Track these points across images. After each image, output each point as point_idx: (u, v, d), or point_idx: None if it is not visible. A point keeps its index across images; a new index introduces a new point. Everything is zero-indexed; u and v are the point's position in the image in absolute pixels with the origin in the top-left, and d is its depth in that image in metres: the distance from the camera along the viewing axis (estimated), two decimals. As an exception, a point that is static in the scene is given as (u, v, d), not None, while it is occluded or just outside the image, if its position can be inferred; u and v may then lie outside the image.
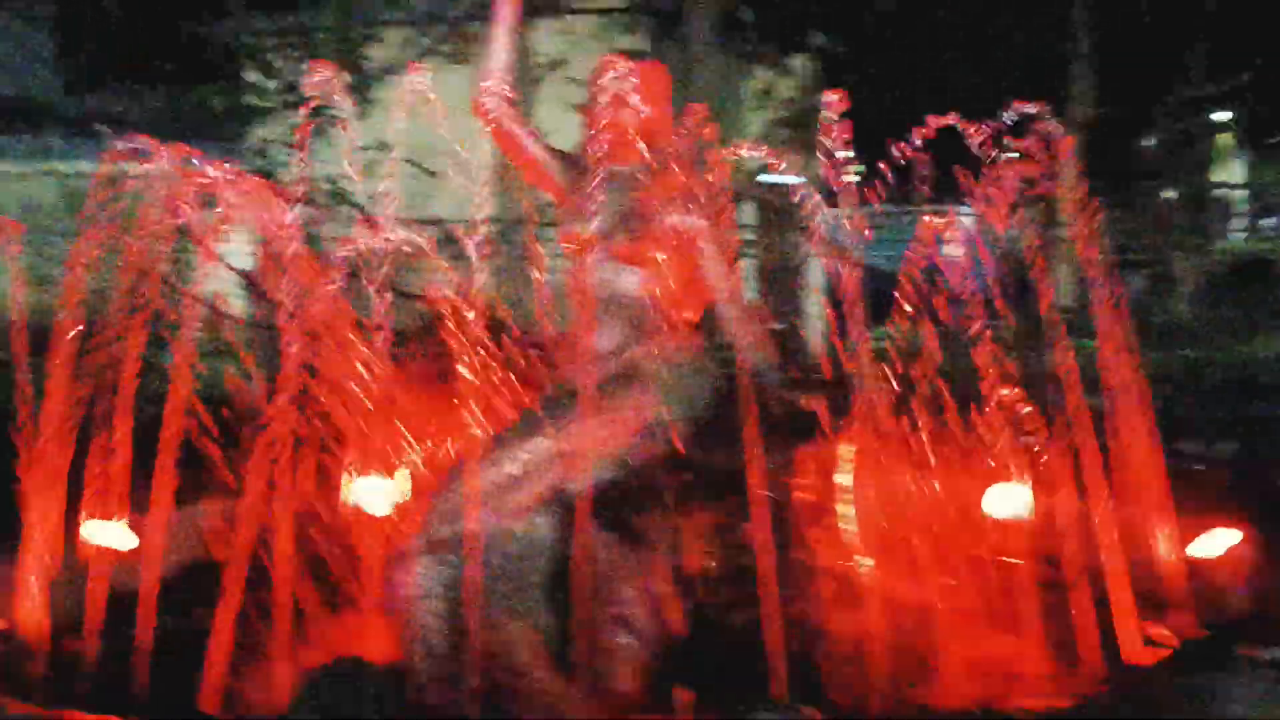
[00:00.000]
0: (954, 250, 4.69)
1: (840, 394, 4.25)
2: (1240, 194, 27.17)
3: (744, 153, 4.71)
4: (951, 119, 4.21)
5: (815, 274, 11.92)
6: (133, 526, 4.51)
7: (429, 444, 4.90)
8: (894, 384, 4.59)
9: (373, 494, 5.02)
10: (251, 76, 9.62)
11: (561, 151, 4.65)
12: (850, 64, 12.76)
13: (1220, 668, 2.89)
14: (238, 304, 9.50)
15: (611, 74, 4.34)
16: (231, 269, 9.25)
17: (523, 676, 3.85)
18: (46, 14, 23.23)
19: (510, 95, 4.56)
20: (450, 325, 4.38)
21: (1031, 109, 4.42)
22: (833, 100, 4.36)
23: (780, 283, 10.64)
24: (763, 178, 11.45)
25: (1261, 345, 12.61)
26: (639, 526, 4.13)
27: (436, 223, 8.00)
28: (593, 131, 4.38)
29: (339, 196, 8.46)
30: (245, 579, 3.85)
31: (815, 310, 10.78)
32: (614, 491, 4.16)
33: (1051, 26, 14.90)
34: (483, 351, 4.68)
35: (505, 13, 4.57)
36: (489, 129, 4.55)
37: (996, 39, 14.47)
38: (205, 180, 4.51)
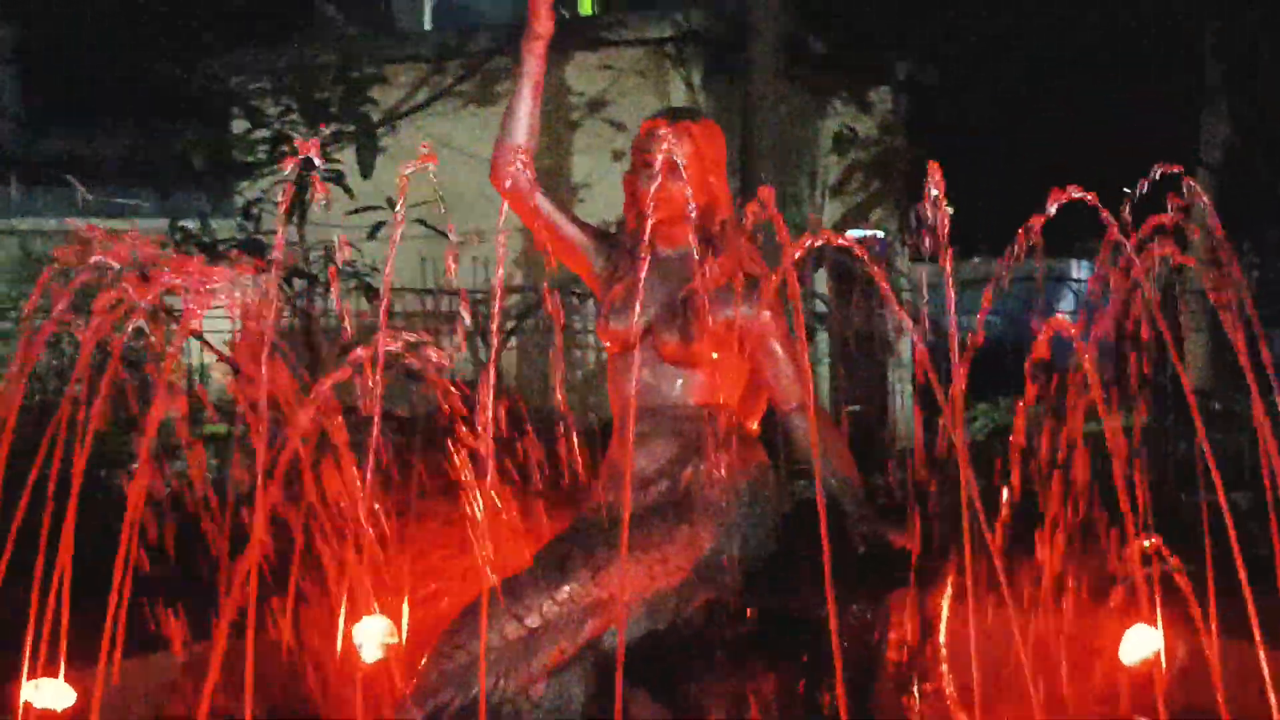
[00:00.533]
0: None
1: (942, 521, 4.07)
2: None
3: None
4: (1080, 192, 4.02)
5: (905, 347, 11.81)
6: (74, 681, 4.38)
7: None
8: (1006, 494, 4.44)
9: (367, 636, 4.90)
10: (238, 126, 9.59)
11: (595, 228, 4.54)
12: (945, 97, 12.69)
13: None
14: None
15: (659, 136, 4.24)
16: (211, 349, 9.21)
17: None
18: (5, 42, 23.56)
19: (530, 160, 4.44)
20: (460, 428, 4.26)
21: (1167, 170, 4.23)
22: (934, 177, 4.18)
23: (863, 359, 10.53)
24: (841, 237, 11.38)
25: None
26: (689, 691, 3.95)
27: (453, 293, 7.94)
28: (636, 206, 4.27)
29: (335, 265, 8.38)
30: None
31: (905, 391, 10.67)
32: (659, 648, 4.04)
33: (1178, 54, 14.82)
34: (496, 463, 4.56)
35: (531, 63, 4.43)
36: (507, 201, 4.41)
37: (1115, 68, 14.37)
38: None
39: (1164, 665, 4.69)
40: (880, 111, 12.88)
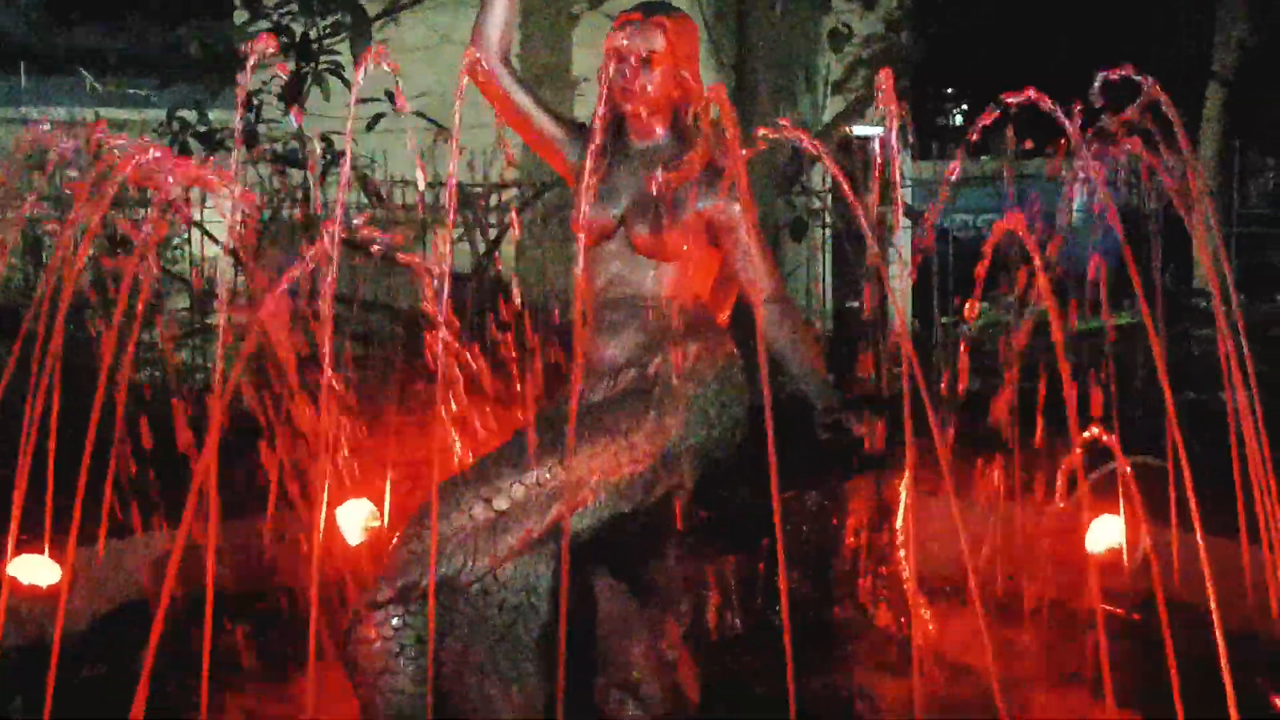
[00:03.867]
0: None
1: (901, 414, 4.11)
2: None
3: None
4: (1035, 95, 4.03)
5: (903, 244, 11.80)
6: (58, 558, 4.46)
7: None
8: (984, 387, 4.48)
9: (349, 519, 4.98)
10: (239, 18, 9.57)
11: (571, 121, 4.57)
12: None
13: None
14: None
15: (630, 31, 4.25)
16: (213, 239, 9.26)
17: (507, 755, 3.78)
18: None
19: (508, 54, 4.46)
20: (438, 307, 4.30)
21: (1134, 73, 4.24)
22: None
23: (858, 257, 10.52)
24: (844, 130, 11.35)
25: None
26: (651, 575, 4.03)
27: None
28: (606, 99, 4.29)
29: (334, 156, 8.40)
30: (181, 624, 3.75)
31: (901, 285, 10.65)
32: (623, 532, 4.10)
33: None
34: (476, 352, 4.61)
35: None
36: (481, 91, 4.43)
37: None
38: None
39: (1126, 555, 4.77)
40: (885, 6, 12.79)
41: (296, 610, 3.95)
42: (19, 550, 4.39)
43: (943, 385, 4.17)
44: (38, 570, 4.50)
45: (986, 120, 4.19)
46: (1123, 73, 4.24)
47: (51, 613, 4.31)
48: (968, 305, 4.27)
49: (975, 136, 4.50)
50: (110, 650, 4.25)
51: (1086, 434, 4.10)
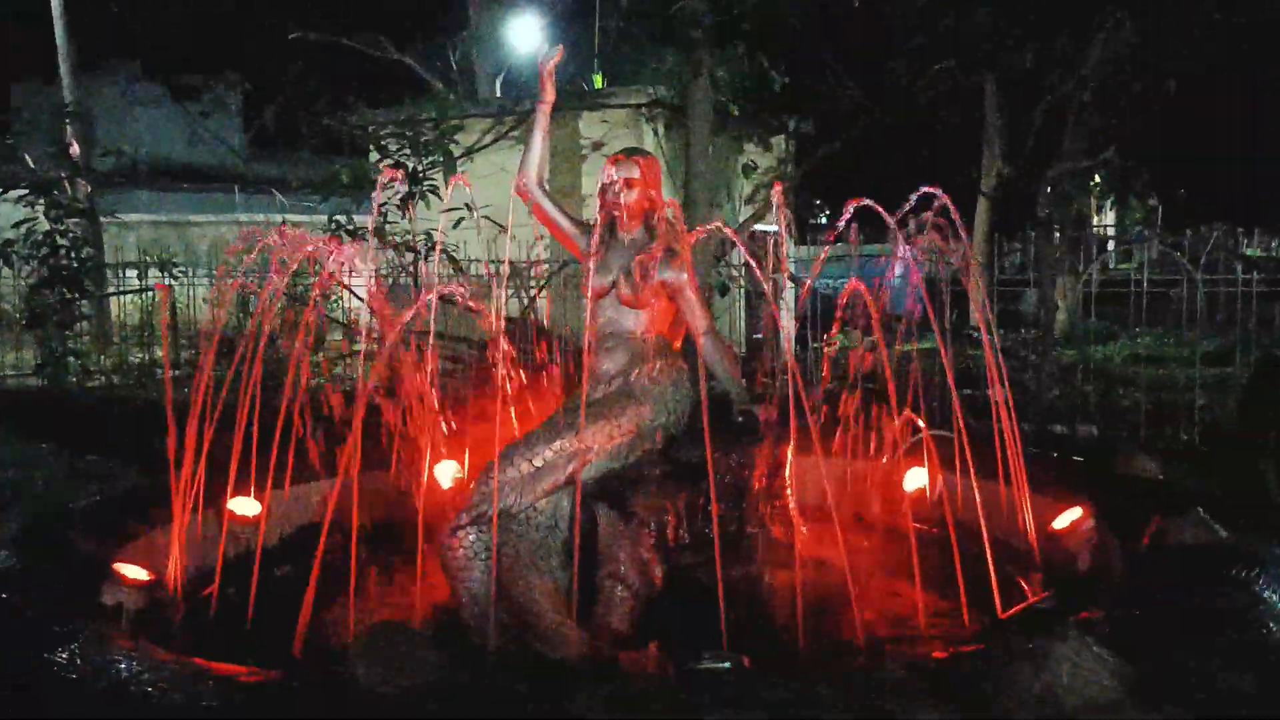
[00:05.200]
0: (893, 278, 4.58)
1: (788, 403, 4.11)
2: (1111, 231, 27.01)
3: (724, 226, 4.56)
4: (870, 203, 4.04)
5: (789, 298, 11.81)
6: (259, 498, 4.44)
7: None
8: (839, 388, 4.48)
9: (443, 473, 4.95)
10: (373, 157, 9.57)
11: (581, 221, 4.54)
12: (816, 142, 12.63)
13: (1051, 632, 2.74)
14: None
15: (618, 165, 4.27)
16: (357, 296, 9.24)
17: (542, 618, 3.75)
18: (235, 103, 23.41)
19: (540, 180, 4.46)
20: (503, 342, 4.30)
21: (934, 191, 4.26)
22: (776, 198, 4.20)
23: (761, 306, 10.54)
24: (752, 227, 11.34)
25: (1118, 349, 12.36)
26: (633, 506, 4.00)
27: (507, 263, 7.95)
28: (605, 208, 4.30)
29: (432, 244, 8.39)
30: (343, 541, 3.74)
31: (789, 326, 10.65)
32: (614, 479, 4.08)
33: (970, 115, 14.75)
34: (523, 368, 4.61)
35: (540, 118, 4.47)
36: (527, 205, 4.43)
37: (929, 124, 14.32)
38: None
39: (928, 492, 4.77)
40: (776, 151, 12.82)
41: (410, 531, 3.93)
42: (235, 493, 4.39)
43: (816, 386, 4.20)
44: (246, 506, 4.48)
45: (840, 221, 4.23)
46: (926, 190, 4.25)
47: (255, 534, 4.34)
48: (828, 336, 4.28)
49: (834, 233, 4.54)
50: (294, 558, 4.22)
51: (903, 416, 4.13)
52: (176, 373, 11.10)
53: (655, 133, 11.58)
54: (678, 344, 4.46)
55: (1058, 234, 14.87)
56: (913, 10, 10.94)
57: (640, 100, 11.39)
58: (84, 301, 11.51)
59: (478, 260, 9.64)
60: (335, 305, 10.98)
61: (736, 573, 3.89)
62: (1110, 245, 20.88)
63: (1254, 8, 11.48)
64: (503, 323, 4.37)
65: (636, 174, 4.25)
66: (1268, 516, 4.58)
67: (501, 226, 4.80)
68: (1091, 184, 16.53)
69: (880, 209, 4.00)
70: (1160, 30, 11.32)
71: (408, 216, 8.51)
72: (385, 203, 8.57)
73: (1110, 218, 29.35)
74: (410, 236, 8.45)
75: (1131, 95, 12.24)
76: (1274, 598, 3.20)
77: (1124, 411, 8.73)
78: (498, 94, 15.01)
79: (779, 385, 4.38)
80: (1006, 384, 4.42)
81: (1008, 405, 4.35)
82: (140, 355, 12.42)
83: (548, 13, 16.28)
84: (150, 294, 12.67)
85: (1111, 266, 20.61)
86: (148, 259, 12.90)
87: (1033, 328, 10.94)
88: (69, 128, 11.68)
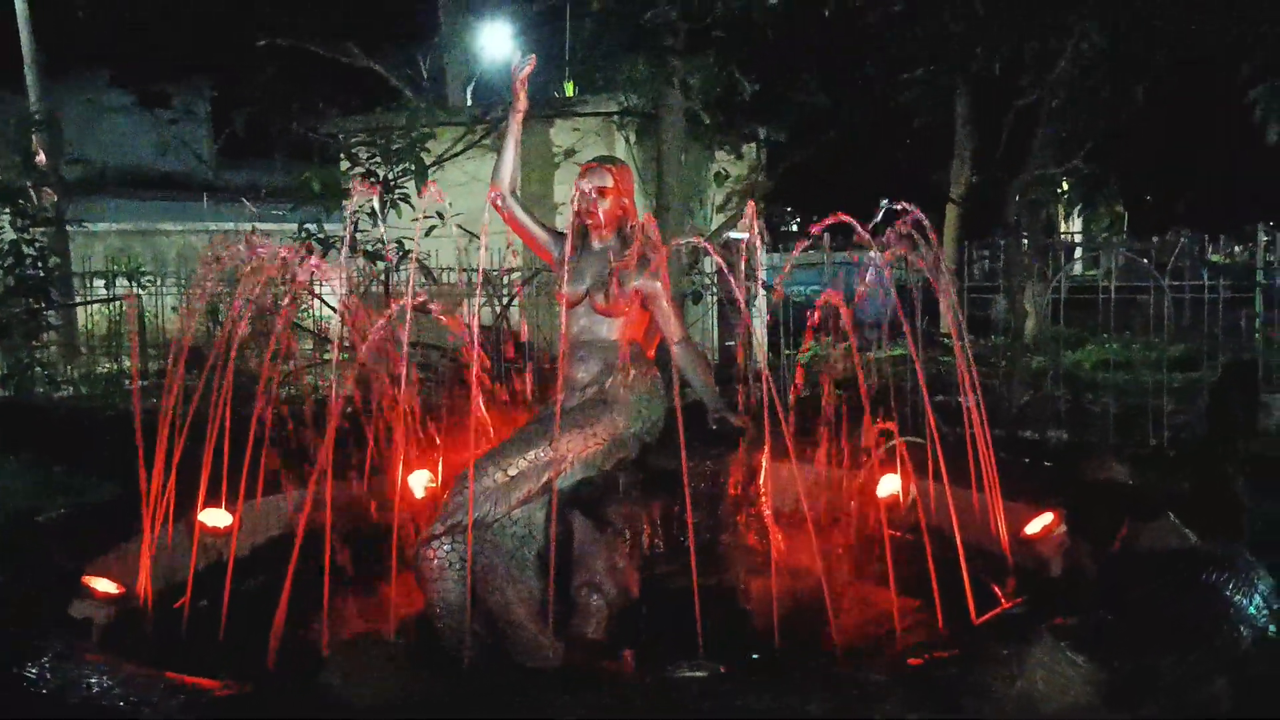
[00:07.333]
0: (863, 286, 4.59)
1: (762, 412, 4.12)
2: (1079, 239, 27.25)
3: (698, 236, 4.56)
4: (843, 217, 4.05)
5: (761, 305, 11.83)
6: (230, 509, 4.39)
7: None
8: (812, 395, 4.49)
9: (416, 482, 4.92)
10: (344, 165, 9.53)
11: (555, 230, 4.54)
12: (787, 150, 12.66)
13: (1025, 638, 2.76)
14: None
15: (590, 173, 4.27)
16: (327, 305, 9.18)
17: (518, 628, 3.74)
18: (203, 110, 23.28)
19: (513, 188, 4.45)
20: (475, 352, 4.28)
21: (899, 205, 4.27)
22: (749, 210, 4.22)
23: (733, 313, 10.54)
24: (724, 235, 11.35)
25: (1087, 355, 12.46)
26: (608, 514, 4.00)
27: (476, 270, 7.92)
28: (578, 217, 4.30)
29: (404, 253, 8.36)
30: (316, 552, 3.71)
31: (761, 332, 10.67)
32: (589, 487, 4.06)
33: (940, 123, 14.85)
34: (498, 377, 4.58)
35: (513, 127, 4.47)
36: (499, 214, 4.42)
37: (901, 131, 14.39)
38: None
39: (902, 499, 4.79)
40: (748, 159, 12.83)
41: (383, 541, 3.91)
42: (205, 505, 4.35)
43: (789, 394, 4.21)
44: (217, 517, 4.43)
45: (812, 229, 4.24)
46: (895, 205, 4.27)
47: (226, 545, 4.30)
48: (803, 345, 4.29)
49: (806, 240, 4.55)
50: (265, 568, 4.19)
51: (877, 423, 4.14)
52: (145, 383, 10.99)
53: (627, 140, 11.57)
54: (651, 352, 4.47)
55: (1026, 241, 15.00)
56: (884, 17, 11.00)
57: (612, 108, 11.37)
58: (51, 311, 11.40)
59: (450, 269, 9.62)
60: (305, 314, 10.90)
61: (712, 580, 3.89)
62: (1077, 252, 21.04)
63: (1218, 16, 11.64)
64: (475, 331, 4.35)
65: (609, 182, 4.26)
66: (1237, 520, 4.63)
67: (474, 235, 4.78)
68: (1060, 191, 16.66)
69: (853, 220, 4.01)
70: (1127, 38, 11.45)
71: (379, 225, 8.45)
72: (356, 211, 8.51)
73: (1078, 225, 29.64)
74: (381, 245, 8.39)
75: (1099, 102, 12.34)
76: (1244, 601, 3.24)
77: (1094, 417, 8.80)
78: (468, 101, 14.96)
79: (752, 393, 4.40)
80: (978, 390, 4.45)
81: (979, 411, 4.37)
82: (108, 366, 12.30)
83: (518, 20, 16.26)
84: (118, 304, 12.55)
85: (1080, 273, 20.87)
86: (115, 268, 12.78)
87: (1003, 334, 11.00)
88: (35, 136, 11.57)
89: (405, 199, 8.60)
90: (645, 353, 4.39)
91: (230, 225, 14.40)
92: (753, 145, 12.85)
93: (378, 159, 8.77)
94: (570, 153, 11.63)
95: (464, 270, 9.41)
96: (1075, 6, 10.43)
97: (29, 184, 10.17)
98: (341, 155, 9.87)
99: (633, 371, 4.24)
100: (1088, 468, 5.30)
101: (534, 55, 4.47)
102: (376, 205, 8.08)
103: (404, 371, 3.94)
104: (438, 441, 4.86)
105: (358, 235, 8.57)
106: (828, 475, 4.71)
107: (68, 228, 13.26)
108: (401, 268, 8.67)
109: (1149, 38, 11.07)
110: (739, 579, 4.05)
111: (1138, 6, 10.62)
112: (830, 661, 3.51)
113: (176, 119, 21.09)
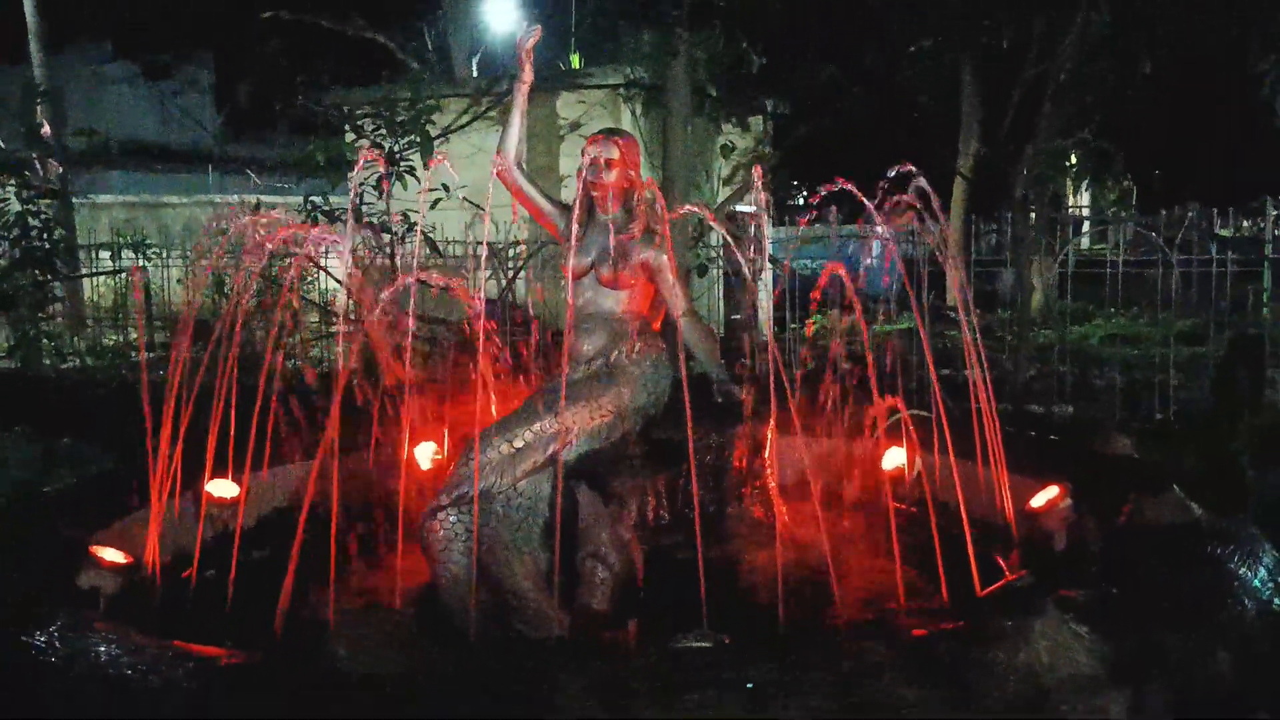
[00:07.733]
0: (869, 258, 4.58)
1: (768, 385, 4.10)
2: (1086, 213, 27.16)
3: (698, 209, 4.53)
4: (847, 184, 4.03)
5: (768, 279, 11.81)
6: (237, 480, 4.40)
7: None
8: (820, 368, 4.47)
9: (422, 454, 4.93)
10: (349, 137, 9.48)
11: (560, 202, 4.52)
12: (793, 124, 12.62)
13: (1029, 611, 2.76)
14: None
15: (597, 145, 4.25)
16: (333, 278, 9.16)
17: (523, 600, 3.75)
18: (207, 82, 23.18)
19: (519, 160, 4.43)
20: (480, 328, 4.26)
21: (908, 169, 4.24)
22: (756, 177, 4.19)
23: (740, 287, 10.53)
24: (730, 208, 11.33)
25: (1094, 329, 12.43)
26: (613, 486, 3.99)
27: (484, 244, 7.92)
28: (584, 189, 4.28)
29: (410, 226, 8.33)
30: (323, 523, 3.71)
31: (767, 305, 10.67)
32: (594, 460, 4.06)
33: (947, 97, 14.78)
34: (504, 350, 4.57)
35: (519, 99, 4.44)
36: (505, 185, 4.40)
37: (907, 105, 14.30)
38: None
39: (907, 472, 4.79)
40: (755, 131, 12.79)
41: (389, 513, 3.91)
42: (213, 475, 4.36)
43: (796, 368, 4.20)
44: (224, 488, 4.44)
45: (817, 200, 4.22)
46: (904, 169, 4.25)
47: (233, 515, 4.30)
48: (810, 320, 4.27)
49: (812, 212, 4.53)
50: (272, 539, 4.19)
51: (884, 397, 4.13)
52: (151, 355, 11.01)
53: (633, 113, 11.52)
54: (657, 325, 4.46)
55: (1034, 215, 14.95)
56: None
57: (618, 80, 11.32)
58: (57, 283, 11.40)
59: (456, 241, 9.60)
60: (311, 287, 10.89)
61: (717, 552, 3.89)
62: (1085, 226, 20.95)
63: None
64: (481, 304, 4.33)
65: (616, 154, 4.24)
66: (1242, 494, 4.62)
67: (479, 207, 4.76)
68: (1068, 165, 16.58)
69: (856, 190, 3.99)
70: (1136, 13, 11.37)
71: (384, 197, 8.43)
72: (362, 184, 8.48)
73: (1086, 199, 29.51)
74: (387, 218, 8.37)
75: (1106, 76, 12.27)
76: (1248, 575, 3.24)
77: (1100, 391, 8.79)
78: (474, 73, 14.90)
79: (758, 366, 4.39)
80: (984, 363, 4.44)
81: (985, 385, 4.36)
82: (114, 337, 12.31)
83: (523, -9, 16.20)
84: (124, 275, 12.56)
85: (1089, 247, 20.78)
86: (120, 240, 12.78)
87: (1009, 308, 10.97)
88: (40, 108, 11.53)
89: (411, 171, 8.57)
90: (651, 325, 4.37)
91: (235, 198, 14.38)
92: (759, 118, 12.81)
93: (383, 131, 8.72)
94: (576, 125, 11.58)
95: (469, 243, 9.39)
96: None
97: (34, 156, 10.13)
98: (346, 128, 9.83)
99: (638, 344, 4.23)
100: (1093, 442, 5.30)
101: (539, 26, 4.43)
102: (383, 175, 8.04)
103: (409, 344, 3.94)
104: (443, 413, 4.86)
105: (362, 208, 8.55)
106: (833, 449, 4.70)
107: (73, 200, 13.24)
108: (407, 240, 8.65)
109: (1150, 37, 11.03)
110: (744, 551, 4.05)
111: (1138, 6, 10.57)
112: (834, 634, 3.51)
113: (180, 92, 20.99)
